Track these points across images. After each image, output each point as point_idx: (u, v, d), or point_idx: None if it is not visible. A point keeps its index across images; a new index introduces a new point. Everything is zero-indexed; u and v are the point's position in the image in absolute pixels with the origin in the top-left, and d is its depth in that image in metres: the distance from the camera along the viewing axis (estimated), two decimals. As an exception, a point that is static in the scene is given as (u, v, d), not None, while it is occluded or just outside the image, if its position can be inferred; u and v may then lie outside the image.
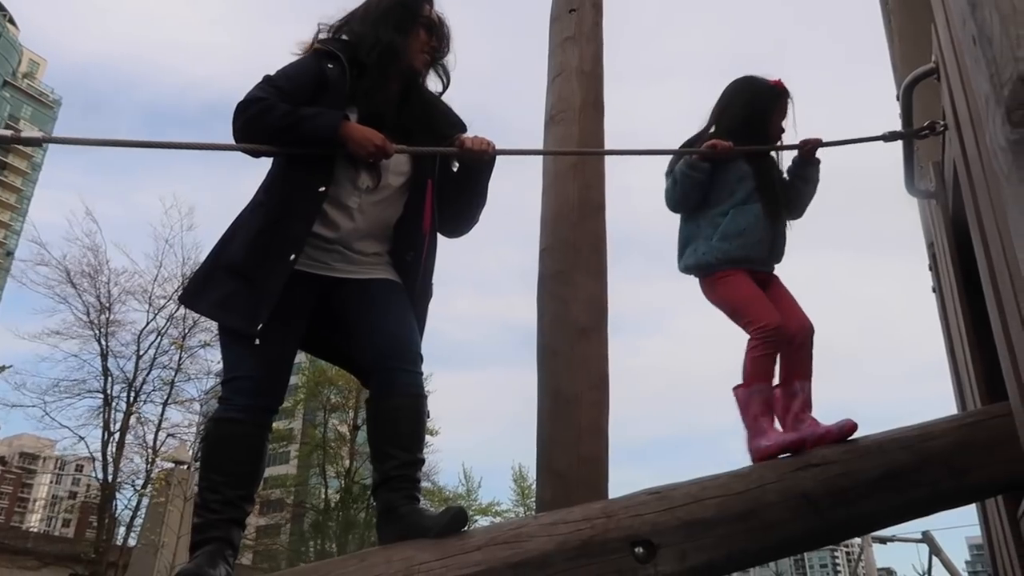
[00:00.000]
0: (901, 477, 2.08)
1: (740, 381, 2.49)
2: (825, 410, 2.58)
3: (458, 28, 2.46)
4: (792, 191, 2.75)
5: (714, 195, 2.62)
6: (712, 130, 2.71)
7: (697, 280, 2.67)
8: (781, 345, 2.49)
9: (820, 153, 2.75)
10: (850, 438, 2.27)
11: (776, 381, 2.50)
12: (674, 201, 2.66)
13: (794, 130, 2.78)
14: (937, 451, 2.13)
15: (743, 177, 2.62)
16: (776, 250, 2.67)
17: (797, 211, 2.78)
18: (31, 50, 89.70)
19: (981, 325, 2.72)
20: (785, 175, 2.77)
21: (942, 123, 2.71)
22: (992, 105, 1.42)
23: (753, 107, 2.70)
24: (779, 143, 2.77)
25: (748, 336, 2.50)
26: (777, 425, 2.38)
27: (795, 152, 2.74)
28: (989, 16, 1.44)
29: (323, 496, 27.01)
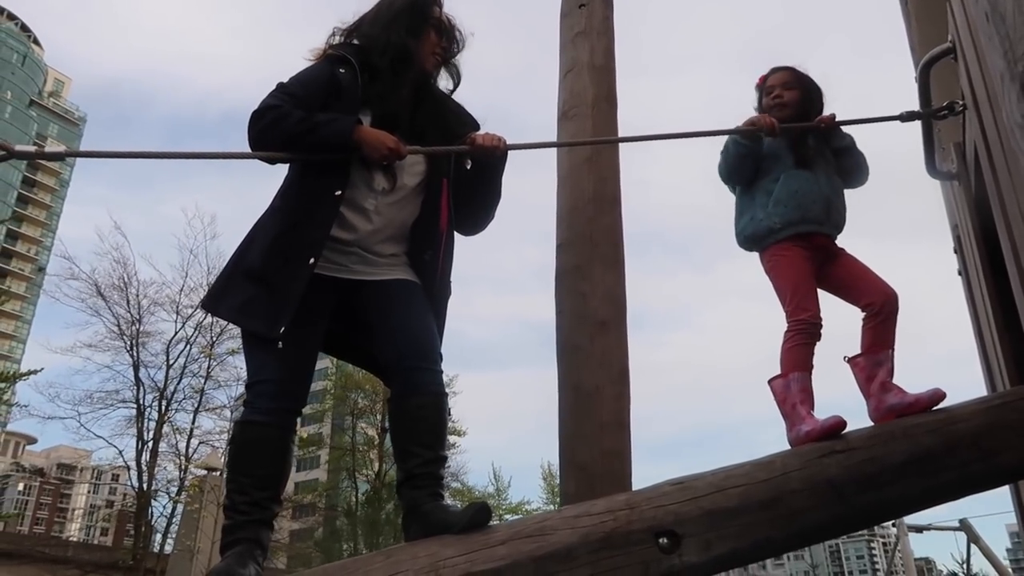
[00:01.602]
0: (928, 461, 2.06)
1: (776, 373, 2.50)
2: (854, 400, 2.57)
3: (468, 27, 2.48)
4: (838, 163, 2.82)
5: (765, 166, 2.73)
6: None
7: (755, 256, 2.74)
8: (817, 336, 2.51)
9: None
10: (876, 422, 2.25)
11: (860, 350, 2.53)
12: (726, 172, 2.78)
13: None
14: (965, 433, 2.10)
15: (789, 147, 2.74)
16: (833, 212, 2.70)
17: (852, 179, 2.83)
18: (56, 69, 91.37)
19: (1009, 306, 2.69)
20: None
21: (961, 103, 2.68)
22: (1007, 82, 1.41)
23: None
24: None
25: (786, 325, 2.53)
26: (815, 412, 2.38)
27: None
28: (1001, -8, 1.42)
29: (354, 499, 27.23)
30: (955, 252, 4.10)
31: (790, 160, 2.71)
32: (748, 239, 2.73)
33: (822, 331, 2.54)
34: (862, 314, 2.58)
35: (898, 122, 2.78)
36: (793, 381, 2.44)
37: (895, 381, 2.45)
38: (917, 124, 2.99)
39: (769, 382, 2.52)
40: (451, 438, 25.75)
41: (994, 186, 2.27)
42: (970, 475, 2.09)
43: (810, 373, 2.49)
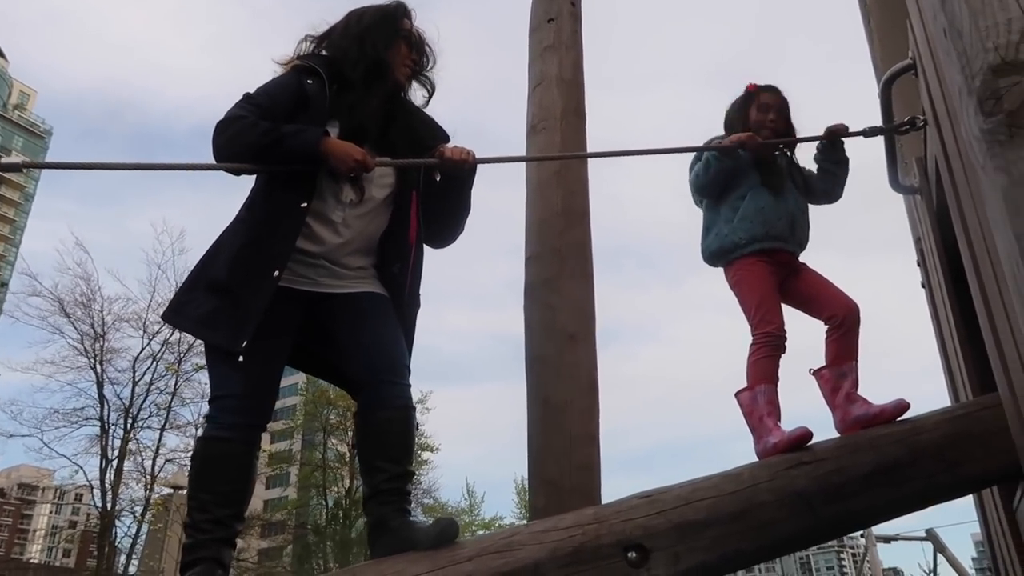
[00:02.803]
0: (894, 471, 2.07)
1: (743, 385, 2.53)
2: (821, 412, 2.60)
3: (437, 43, 2.48)
4: (824, 176, 2.89)
5: (733, 182, 2.77)
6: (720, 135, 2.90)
7: (722, 271, 2.78)
8: (782, 348, 2.54)
9: (807, 148, 2.92)
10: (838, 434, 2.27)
11: (824, 362, 2.57)
12: (701, 186, 2.81)
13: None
14: (929, 444, 2.12)
15: (756, 166, 2.79)
16: (797, 229, 2.77)
17: (831, 194, 2.91)
18: (21, 81, 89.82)
19: (970, 318, 2.73)
20: (813, 163, 2.94)
21: (922, 118, 2.73)
22: (965, 96, 1.43)
23: (732, 116, 2.91)
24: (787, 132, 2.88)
25: (751, 338, 2.56)
26: (782, 423, 2.40)
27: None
28: (958, 9, 1.45)
29: (324, 517, 26.87)
30: (918, 265, 4.16)
31: (757, 178, 2.76)
32: (713, 254, 2.77)
33: (787, 344, 2.57)
34: (825, 327, 2.61)
35: (862, 137, 2.83)
36: (760, 393, 2.47)
37: (860, 392, 2.48)
38: (881, 139, 3.04)
39: (736, 395, 2.54)
40: (424, 454, 25.58)
41: (954, 200, 2.30)
42: (935, 485, 2.11)
43: (776, 385, 2.51)
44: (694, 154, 2.86)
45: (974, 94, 1.36)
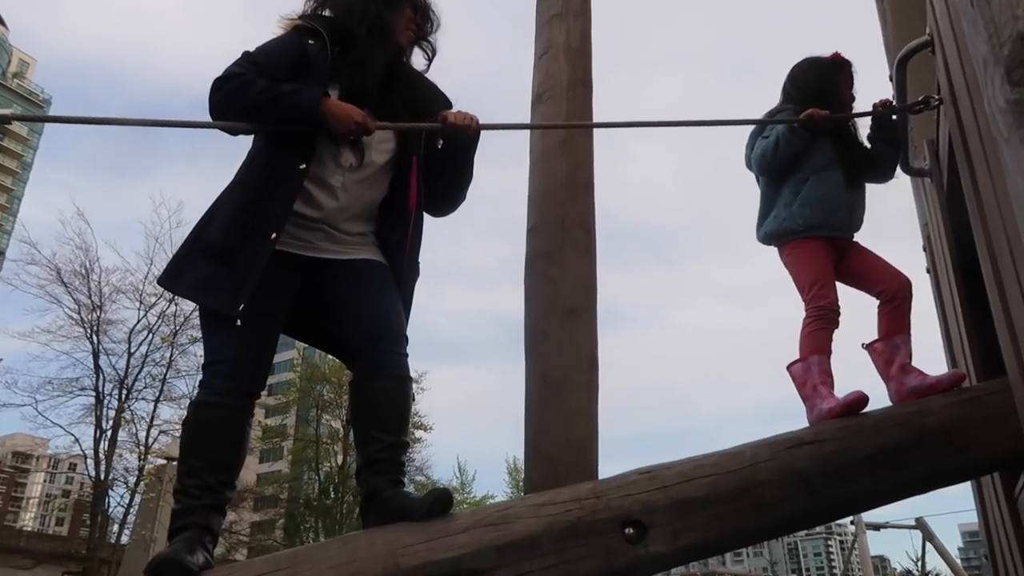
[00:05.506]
0: (898, 454, 2.04)
1: (795, 357, 2.53)
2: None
3: (444, 7, 2.42)
4: (877, 154, 2.82)
5: (795, 163, 2.71)
6: (787, 106, 2.79)
7: (776, 249, 2.75)
8: (836, 323, 2.54)
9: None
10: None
11: (877, 336, 2.57)
12: (769, 163, 2.71)
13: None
14: (935, 428, 2.09)
15: (823, 145, 2.70)
16: (855, 217, 2.74)
17: (887, 172, 2.85)
18: (21, 50, 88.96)
19: (977, 303, 2.69)
20: (866, 142, 2.85)
21: (937, 97, 2.67)
22: (991, 66, 1.38)
23: (821, 81, 2.79)
24: (852, 111, 2.82)
25: (804, 312, 2.57)
26: (835, 391, 2.39)
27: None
28: (986, -25, 1.39)
29: (315, 491, 27.01)
30: (924, 250, 4.12)
31: (822, 161, 2.68)
32: (769, 235, 2.74)
33: (840, 319, 2.56)
34: (876, 301, 2.60)
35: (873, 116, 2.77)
36: (813, 364, 2.47)
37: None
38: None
39: (788, 367, 2.54)
40: (417, 433, 25.65)
41: (969, 179, 2.25)
42: (939, 469, 2.08)
43: (829, 357, 2.51)
44: (752, 127, 2.78)
45: (1001, 63, 1.31)
